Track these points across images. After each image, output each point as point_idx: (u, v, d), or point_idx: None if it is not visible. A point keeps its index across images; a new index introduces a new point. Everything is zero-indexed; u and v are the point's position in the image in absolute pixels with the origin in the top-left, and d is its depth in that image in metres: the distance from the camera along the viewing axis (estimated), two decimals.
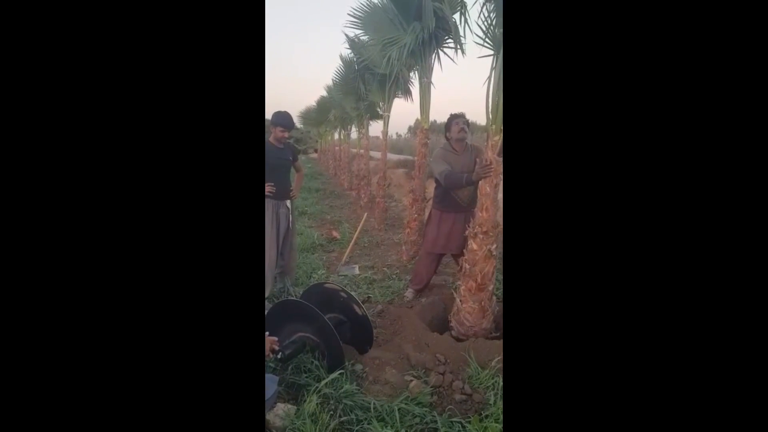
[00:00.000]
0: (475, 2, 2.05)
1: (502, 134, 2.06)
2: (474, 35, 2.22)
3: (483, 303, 2.20)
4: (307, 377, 1.76)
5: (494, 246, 2.18)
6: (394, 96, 5.05)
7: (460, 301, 2.26)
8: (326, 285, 2.27)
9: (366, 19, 3.69)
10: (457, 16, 3.14)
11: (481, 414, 1.65)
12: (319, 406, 1.56)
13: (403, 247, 3.93)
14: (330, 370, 1.77)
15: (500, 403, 1.68)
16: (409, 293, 3.00)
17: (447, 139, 2.79)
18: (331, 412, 1.55)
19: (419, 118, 3.81)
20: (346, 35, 5.15)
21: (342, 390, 1.67)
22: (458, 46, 3.28)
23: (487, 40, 2.10)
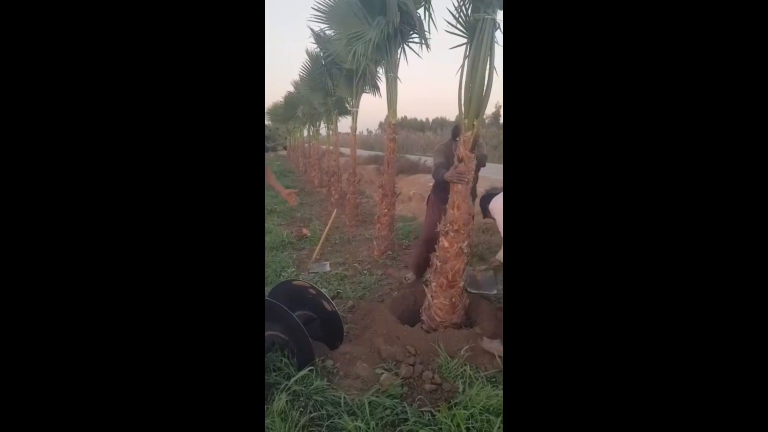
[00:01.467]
0: None
1: (474, 129, 2.02)
2: (444, 23, 2.08)
3: (453, 299, 2.23)
4: (276, 375, 1.74)
5: (465, 243, 2.20)
6: (362, 91, 5.03)
7: (432, 296, 2.28)
8: (294, 282, 2.24)
9: (330, 13, 3.65)
10: (421, 11, 3.17)
11: (450, 402, 1.68)
12: (289, 403, 1.54)
13: (374, 243, 3.93)
14: (300, 367, 1.76)
15: (469, 391, 1.72)
16: (410, 276, 3.16)
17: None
18: (301, 409, 1.54)
19: (388, 113, 3.82)
20: (312, 29, 5.09)
21: (312, 386, 1.66)
22: (423, 41, 3.30)
23: (458, 26, 2.02)
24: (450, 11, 1.99)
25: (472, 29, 1.95)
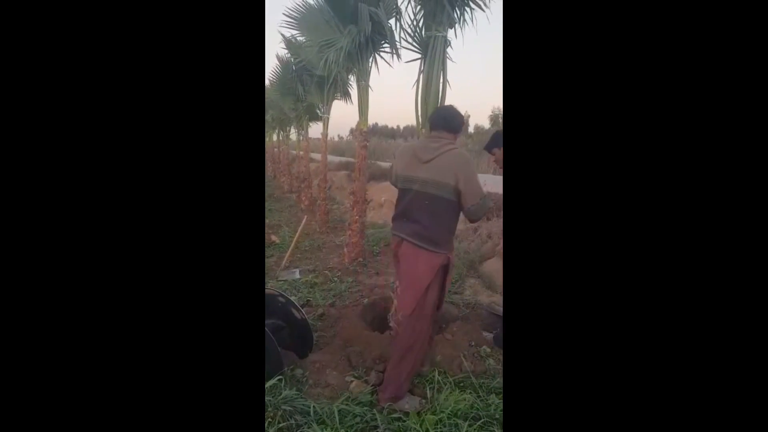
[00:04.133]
0: (407, 6, 2.11)
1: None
2: (403, 39, 2.20)
3: None
4: None
5: None
6: (333, 98, 5.04)
7: (397, 302, 2.30)
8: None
9: (302, 19, 3.65)
10: (392, 21, 3.22)
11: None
12: None
13: (345, 250, 3.92)
14: (268, 377, 1.72)
15: (438, 396, 1.74)
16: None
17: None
18: (269, 420, 1.51)
19: (359, 120, 3.84)
20: (282, 35, 5.05)
21: (281, 396, 1.63)
22: (394, 51, 3.36)
23: (413, 43, 2.16)
24: (405, 29, 2.12)
25: (425, 46, 2.09)
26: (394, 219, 1.80)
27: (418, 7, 2.09)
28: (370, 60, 3.55)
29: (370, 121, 3.87)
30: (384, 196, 6.44)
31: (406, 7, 2.10)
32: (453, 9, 1.87)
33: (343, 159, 12.64)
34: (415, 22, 2.13)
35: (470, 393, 1.78)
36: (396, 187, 1.81)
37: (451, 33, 2.01)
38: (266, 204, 7.62)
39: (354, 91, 4.59)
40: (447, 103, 2.10)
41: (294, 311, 2.09)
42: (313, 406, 1.61)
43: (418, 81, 2.12)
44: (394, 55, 3.42)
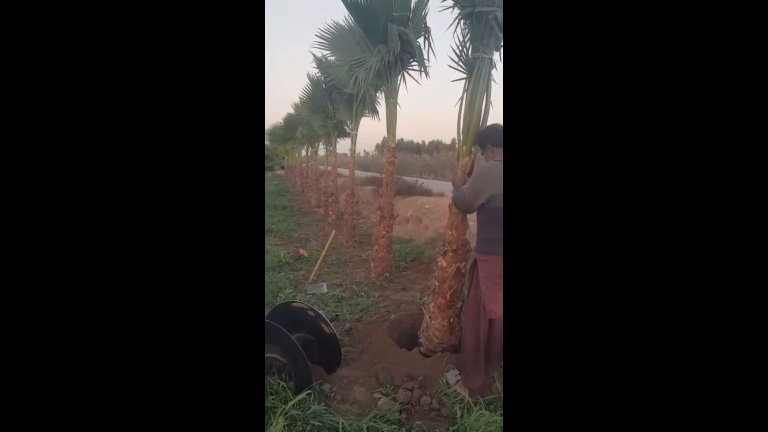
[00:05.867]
0: (449, 27, 2.15)
1: (471, 156, 2.17)
2: (442, 52, 2.27)
3: (451, 319, 2.25)
4: (273, 399, 1.72)
5: (463, 264, 2.24)
6: (362, 115, 5.14)
7: (429, 317, 2.29)
8: (293, 304, 2.24)
9: (333, 40, 3.76)
10: (421, 40, 3.28)
11: (448, 429, 1.67)
12: (286, 428, 1.53)
13: (372, 264, 3.93)
14: (297, 391, 1.74)
15: (467, 417, 1.70)
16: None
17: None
18: None
19: (386, 136, 3.89)
20: (314, 55, 5.22)
21: (309, 411, 1.64)
22: (423, 69, 3.41)
23: (460, 63, 2.21)
24: (453, 48, 2.20)
25: (471, 66, 2.14)
26: (485, 241, 1.92)
27: (466, 30, 2.14)
28: (399, 78, 3.62)
29: (396, 137, 3.92)
30: (410, 211, 6.45)
31: (455, 29, 2.15)
32: (501, 32, 1.93)
33: (369, 174, 12.78)
34: (462, 44, 2.19)
35: (500, 415, 1.73)
36: (478, 209, 1.94)
37: (496, 55, 2.07)
38: (294, 218, 7.77)
39: (381, 108, 4.68)
40: (489, 122, 2.13)
41: (323, 326, 2.11)
42: (342, 423, 1.60)
43: (461, 100, 2.17)
44: (422, 73, 3.48)
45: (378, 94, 4.70)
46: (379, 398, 1.83)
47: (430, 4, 3.21)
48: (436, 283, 2.28)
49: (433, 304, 2.28)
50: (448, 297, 2.22)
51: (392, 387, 1.94)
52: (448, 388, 1.92)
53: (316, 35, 3.73)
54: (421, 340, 2.34)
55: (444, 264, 2.25)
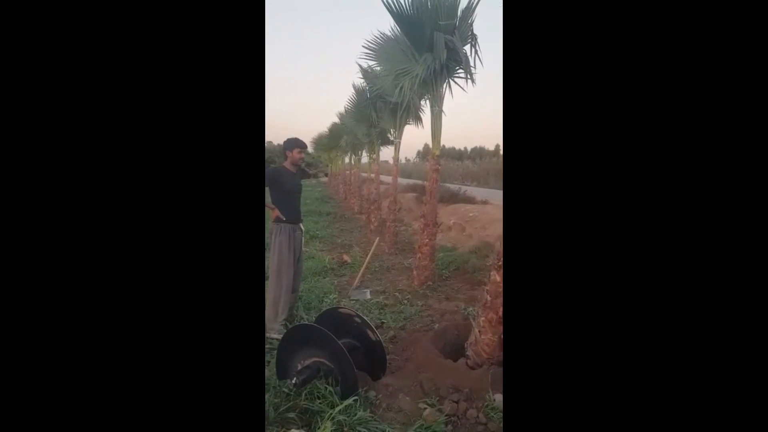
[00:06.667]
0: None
1: None
2: (488, 58, 2.22)
3: (501, 336, 2.17)
4: (320, 403, 1.75)
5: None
6: (405, 123, 5.17)
7: (479, 332, 2.22)
8: (341, 310, 2.28)
9: (379, 50, 3.83)
10: (467, 47, 3.27)
11: None
12: None
13: (415, 272, 3.92)
14: (344, 397, 1.76)
15: None
16: None
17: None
18: None
19: (428, 143, 3.90)
20: (360, 65, 5.34)
21: (356, 417, 1.66)
22: (469, 76, 3.38)
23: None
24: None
25: None
26: None
27: None
28: (444, 86, 3.61)
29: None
30: (453, 219, 6.38)
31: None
32: None
33: (411, 181, 12.79)
34: None
35: None
36: None
37: None
38: (338, 224, 7.93)
39: (426, 116, 4.68)
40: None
41: (369, 332, 2.13)
42: (388, 431, 1.60)
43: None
44: (468, 80, 3.46)
45: (422, 102, 4.72)
46: (425, 408, 1.81)
47: (477, 10, 3.19)
48: (488, 298, 2.21)
49: (483, 318, 2.22)
50: (500, 313, 2.15)
51: (437, 398, 1.91)
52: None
53: (363, 46, 3.82)
54: (469, 353, 2.29)
55: (498, 279, 2.18)
